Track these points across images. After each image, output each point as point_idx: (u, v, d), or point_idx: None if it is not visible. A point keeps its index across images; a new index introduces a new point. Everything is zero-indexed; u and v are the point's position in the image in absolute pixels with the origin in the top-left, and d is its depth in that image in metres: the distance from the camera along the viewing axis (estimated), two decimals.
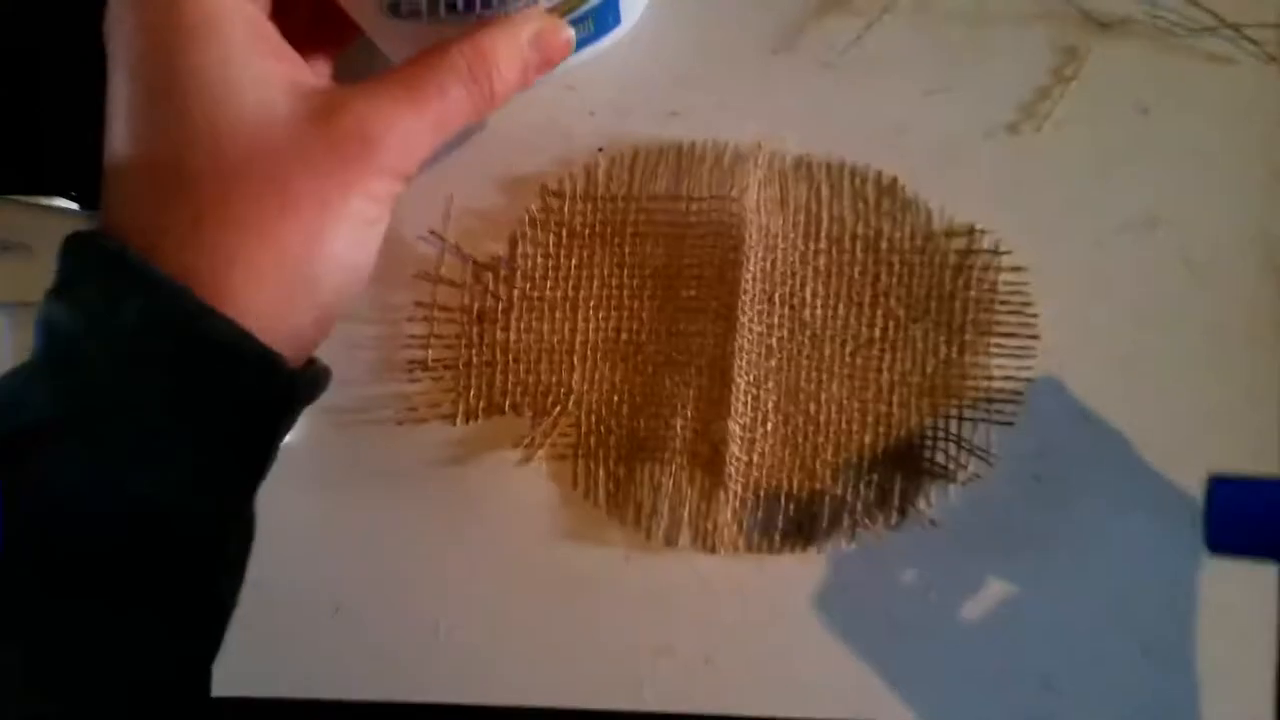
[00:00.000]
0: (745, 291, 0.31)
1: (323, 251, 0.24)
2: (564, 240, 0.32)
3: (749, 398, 0.32)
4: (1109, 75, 0.32)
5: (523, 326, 0.32)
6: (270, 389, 0.24)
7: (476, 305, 0.33)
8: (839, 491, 0.32)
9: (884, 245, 0.32)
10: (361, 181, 0.24)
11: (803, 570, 0.32)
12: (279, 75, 0.24)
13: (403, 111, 0.25)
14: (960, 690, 0.32)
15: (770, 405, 0.32)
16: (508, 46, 0.26)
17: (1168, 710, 0.32)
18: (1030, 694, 0.32)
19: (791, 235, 0.32)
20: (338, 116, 0.24)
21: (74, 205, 0.32)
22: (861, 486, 0.32)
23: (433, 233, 0.32)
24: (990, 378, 0.32)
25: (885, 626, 0.32)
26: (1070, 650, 0.32)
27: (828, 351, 0.32)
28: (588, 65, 0.32)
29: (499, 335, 0.32)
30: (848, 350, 0.32)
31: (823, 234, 0.32)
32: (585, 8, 0.28)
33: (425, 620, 0.32)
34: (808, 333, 0.32)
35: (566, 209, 0.32)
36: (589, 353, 0.32)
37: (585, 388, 0.32)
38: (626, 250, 0.32)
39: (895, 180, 0.32)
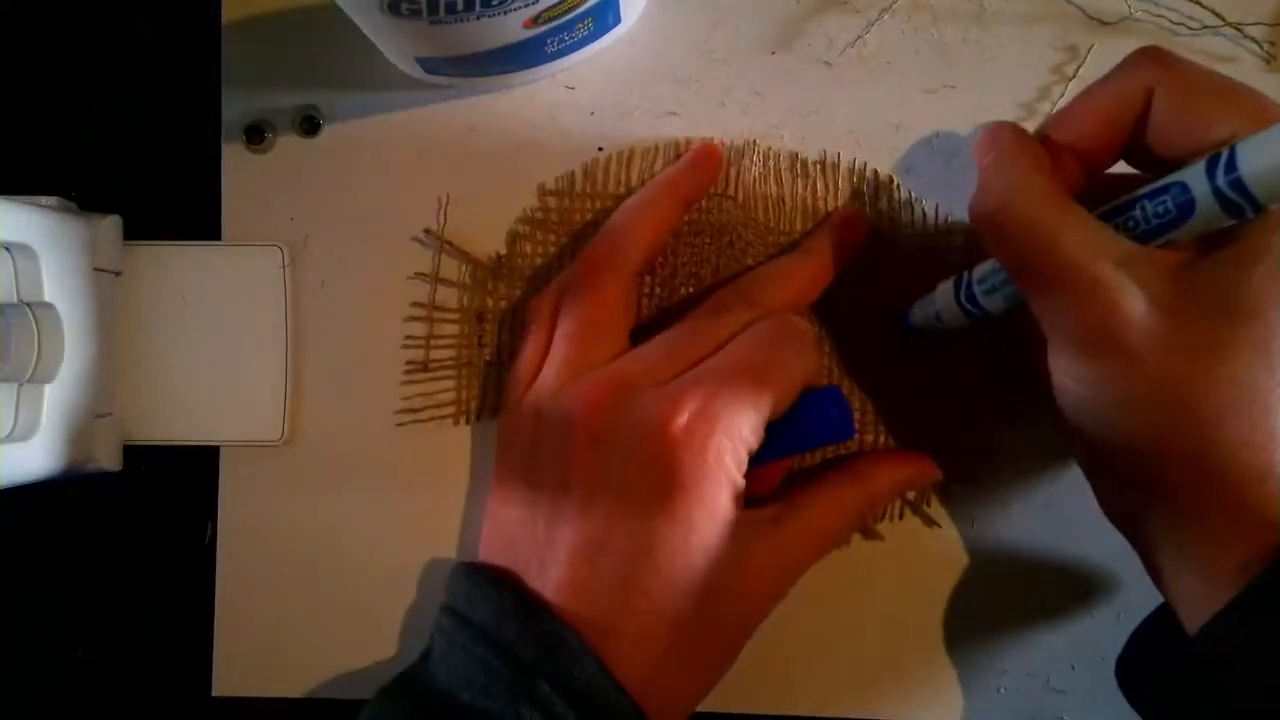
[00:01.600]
0: None
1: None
2: (563, 239, 0.32)
3: None
4: None
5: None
6: None
7: (476, 305, 0.32)
8: None
9: (882, 243, 0.32)
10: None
11: None
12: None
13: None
14: (960, 690, 0.32)
15: None
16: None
17: None
18: (1030, 694, 0.32)
19: (789, 233, 0.32)
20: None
21: (74, 205, 0.32)
22: None
23: (428, 232, 0.32)
24: (991, 376, 0.32)
25: (885, 626, 0.32)
26: (1070, 650, 0.32)
27: (827, 349, 0.32)
28: (587, 65, 0.32)
29: (499, 335, 0.32)
30: (844, 347, 0.32)
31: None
32: (585, 7, 0.28)
33: (426, 620, 0.32)
34: None
35: (566, 207, 0.32)
36: None
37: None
38: None
39: (891, 179, 0.32)
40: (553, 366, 0.29)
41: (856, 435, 0.32)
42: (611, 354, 0.29)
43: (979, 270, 0.27)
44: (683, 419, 0.25)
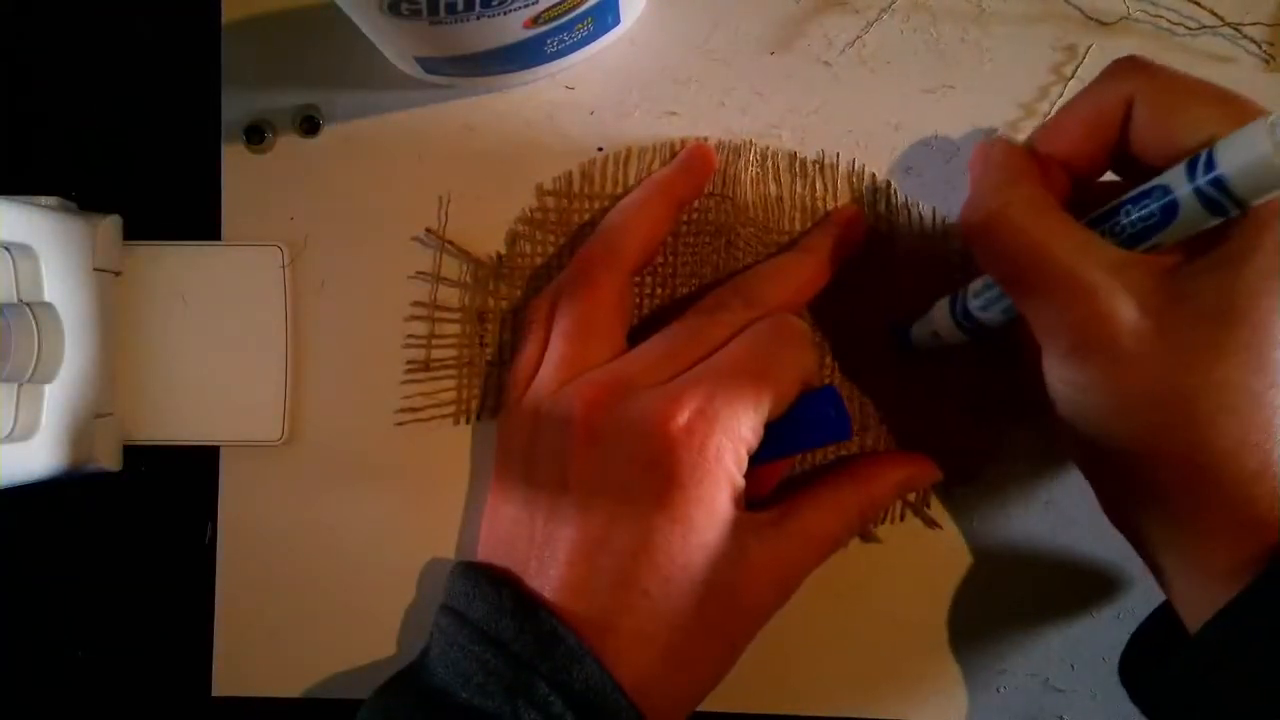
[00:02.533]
0: None
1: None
2: (563, 239, 0.32)
3: None
4: None
5: None
6: None
7: (477, 304, 0.33)
8: None
9: (879, 245, 0.32)
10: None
11: None
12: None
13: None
14: (960, 689, 0.32)
15: None
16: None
17: None
18: (1031, 693, 0.32)
19: (788, 232, 0.32)
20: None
21: (74, 205, 0.32)
22: None
23: (429, 231, 0.32)
24: (990, 378, 0.32)
25: (885, 626, 0.32)
26: (1070, 650, 0.32)
27: (826, 351, 0.32)
28: (587, 65, 0.32)
29: (500, 335, 0.32)
30: (842, 347, 0.32)
31: None
32: (585, 7, 0.28)
33: (426, 619, 0.32)
34: None
35: (565, 207, 0.32)
36: None
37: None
38: None
39: (889, 183, 0.32)
40: (550, 366, 0.29)
41: (855, 436, 0.32)
42: (608, 353, 0.29)
43: (973, 286, 0.28)
44: (682, 418, 0.26)
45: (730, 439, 0.26)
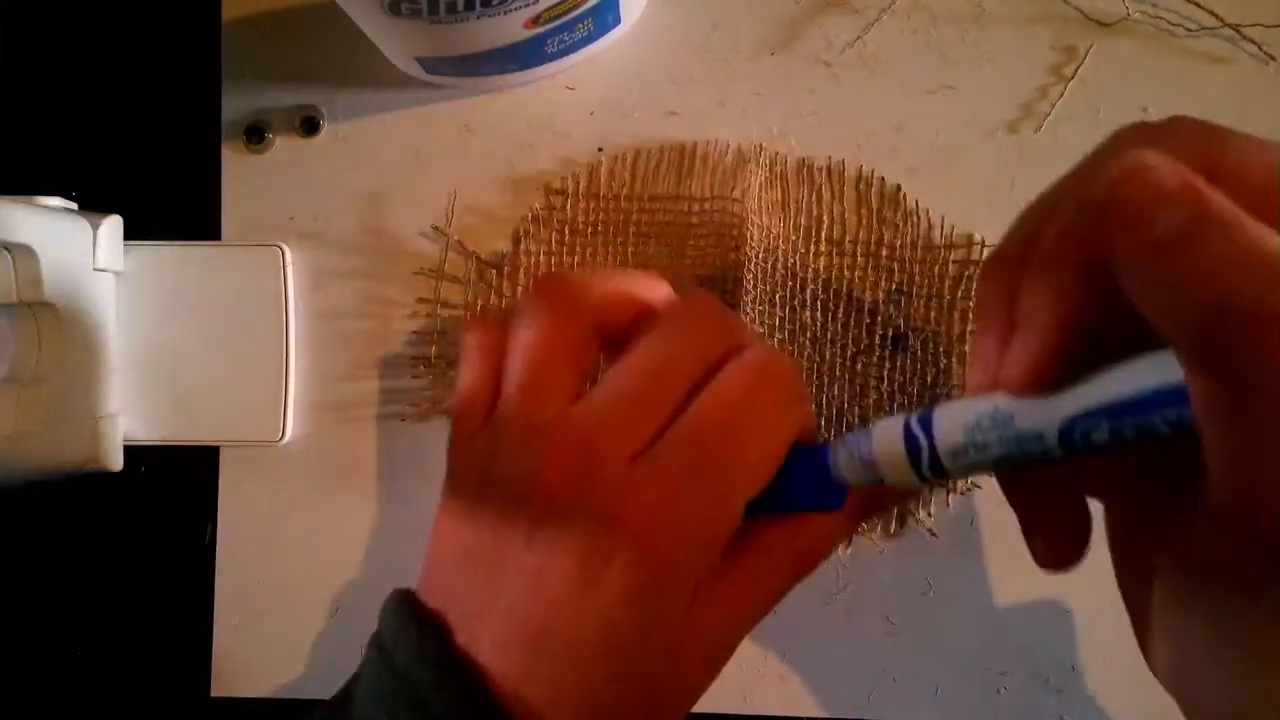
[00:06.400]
0: (747, 292, 0.31)
1: None
2: (567, 238, 0.32)
3: None
4: (1109, 74, 0.32)
5: None
6: None
7: (480, 302, 0.33)
8: None
9: (884, 253, 0.32)
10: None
11: None
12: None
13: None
14: (960, 690, 0.32)
15: None
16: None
17: (1168, 711, 0.32)
18: (1031, 694, 0.32)
19: (793, 237, 0.32)
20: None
21: (74, 205, 0.32)
22: None
23: (436, 229, 0.32)
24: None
25: (885, 627, 0.32)
26: (1070, 650, 0.32)
27: (828, 354, 0.32)
28: (587, 65, 0.32)
29: None
30: (848, 354, 0.32)
31: (824, 236, 0.32)
32: (585, 7, 0.28)
33: None
34: (808, 335, 0.32)
35: (569, 207, 0.32)
36: None
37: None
38: (629, 249, 0.32)
39: (899, 188, 0.32)
40: (504, 419, 0.26)
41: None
42: (568, 393, 0.26)
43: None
44: (642, 510, 0.23)
45: (691, 533, 0.24)
